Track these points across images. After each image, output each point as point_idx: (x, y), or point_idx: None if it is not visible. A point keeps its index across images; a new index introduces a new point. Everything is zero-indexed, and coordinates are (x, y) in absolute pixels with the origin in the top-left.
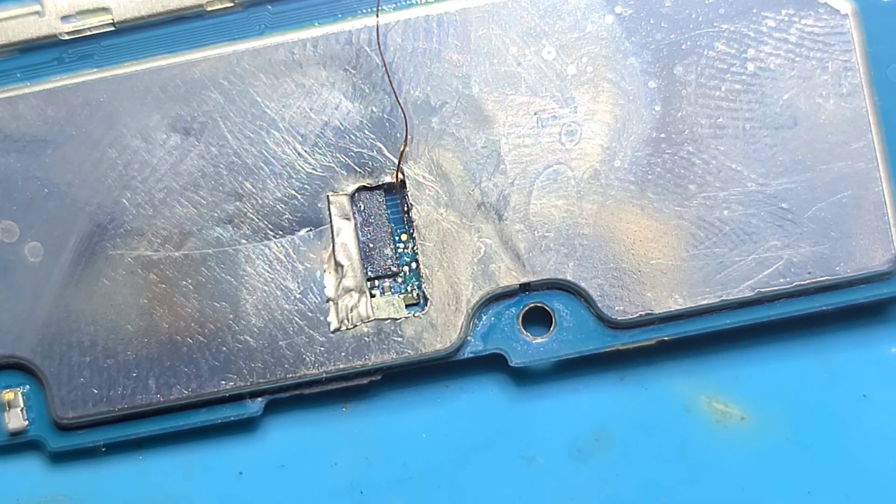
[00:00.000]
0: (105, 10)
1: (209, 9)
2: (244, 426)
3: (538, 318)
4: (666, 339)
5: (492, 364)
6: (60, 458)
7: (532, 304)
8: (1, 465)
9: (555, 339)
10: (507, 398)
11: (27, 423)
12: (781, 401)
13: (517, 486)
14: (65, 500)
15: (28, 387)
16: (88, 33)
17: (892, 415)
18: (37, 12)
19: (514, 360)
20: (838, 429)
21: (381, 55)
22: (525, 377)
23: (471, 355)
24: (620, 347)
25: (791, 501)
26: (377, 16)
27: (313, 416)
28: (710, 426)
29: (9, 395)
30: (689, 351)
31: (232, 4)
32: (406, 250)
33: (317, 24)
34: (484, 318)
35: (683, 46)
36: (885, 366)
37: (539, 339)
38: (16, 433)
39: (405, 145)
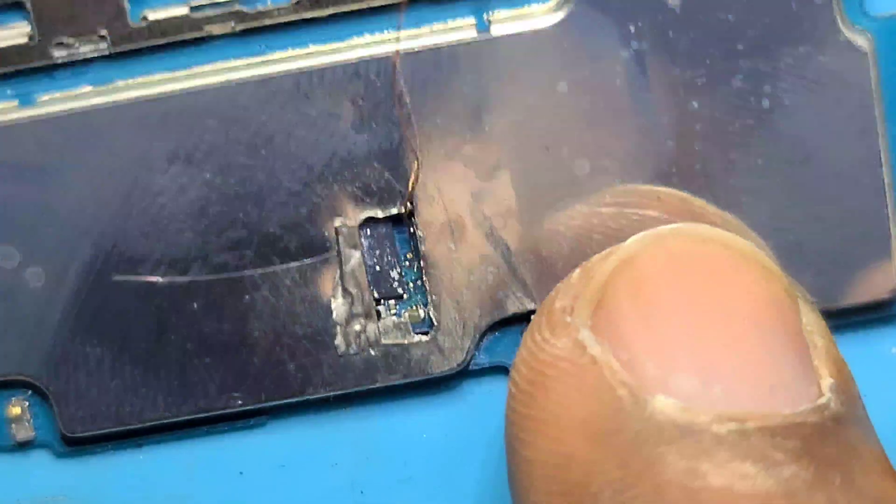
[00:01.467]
0: (102, 37)
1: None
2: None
3: None
4: None
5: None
6: (62, 461)
7: None
8: (0, 465)
9: None
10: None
11: (34, 434)
12: None
13: None
14: (64, 500)
15: (35, 402)
16: (83, 57)
17: (892, 415)
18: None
19: None
20: None
21: (396, 84)
22: None
23: (475, 367)
24: None
25: None
26: (397, 41)
27: (314, 416)
28: None
29: (15, 409)
30: None
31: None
32: (412, 268)
33: (322, 46)
34: (489, 335)
35: (699, 83)
36: (885, 366)
37: None
38: (23, 444)
39: (416, 176)
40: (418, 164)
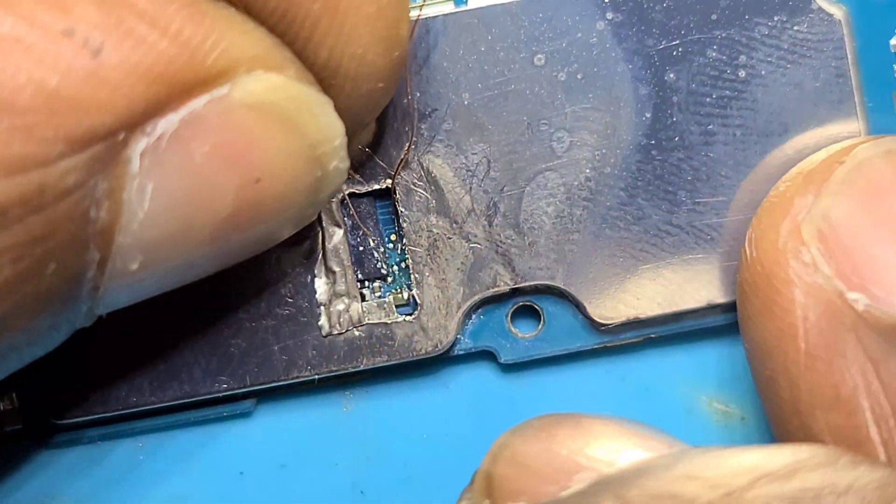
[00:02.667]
0: None
1: None
2: (245, 426)
3: (527, 315)
4: (653, 336)
5: (491, 364)
6: (59, 457)
7: (521, 303)
8: None
9: (543, 336)
10: (509, 399)
11: (21, 423)
12: None
13: None
14: (65, 500)
15: (21, 388)
16: None
17: None
18: None
19: (504, 358)
20: None
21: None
22: (526, 378)
23: (460, 352)
24: (608, 345)
25: None
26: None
27: (314, 416)
28: (710, 426)
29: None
30: (690, 352)
31: None
32: (395, 251)
33: None
34: (473, 316)
35: (675, 53)
36: None
37: (528, 335)
38: (11, 434)
39: (407, 153)
40: (410, 141)
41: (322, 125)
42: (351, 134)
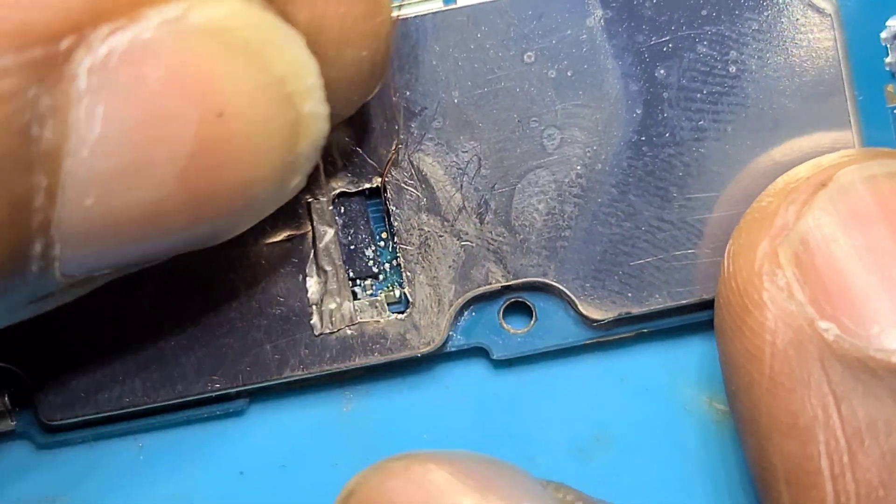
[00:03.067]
0: None
1: None
2: (245, 426)
3: (519, 312)
4: (645, 331)
5: (484, 361)
6: (59, 458)
7: (513, 300)
8: None
9: (535, 332)
10: (508, 399)
11: (13, 424)
12: None
13: None
14: (65, 500)
15: (13, 389)
16: None
17: None
18: None
19: (496, 354)
20: None
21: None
22: (519, 374)
23: (453, 349)
24: (601, 340)
25: None
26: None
27: (314, 416)
28: (710, 426)
29: None
30: (690, 351)
31: None
32: (386, 249)
33: None
34: (465, 313)
35: (665, 49)
36: None
37: (520, 332)
38: (3, 435)
39: (395, 150)
40: (398, 139)
41: (289, 59)
42: (337, 117)
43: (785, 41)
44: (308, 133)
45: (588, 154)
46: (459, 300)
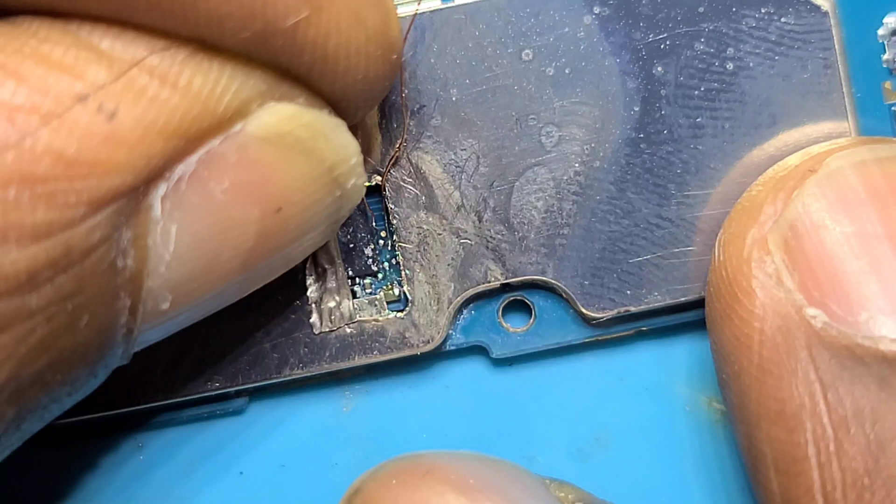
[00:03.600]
0: None
1: None
2: (245, 426)
3: (518, 310)
4: (644, 329)
5: (483, 359)
6: (59, 458)
7: (512, 298)
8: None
9: (534, 330)
10: (508, 397)
11: None
12: None
13: None
14: (66, 500)
15: None
16: None
17: None
18: None
19: (496, 353)
20: None
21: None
22: (518, 373)
23: (452, 348)
24: (600, 338)
25: None
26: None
27: (314, 415)
28: (710, 426)
29: None
30: (689, 351)
31: None
32: (386, 248)
33: None
34: (464, 311)
35: (662, 46)
36: None
37: (519, 330)
38: None
39: (399, 149)
40: (403, 138)
41: (337, 147)
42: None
43: (782, 38)
44: (350, 203)
45: (586, 151)
46: (458, 298)
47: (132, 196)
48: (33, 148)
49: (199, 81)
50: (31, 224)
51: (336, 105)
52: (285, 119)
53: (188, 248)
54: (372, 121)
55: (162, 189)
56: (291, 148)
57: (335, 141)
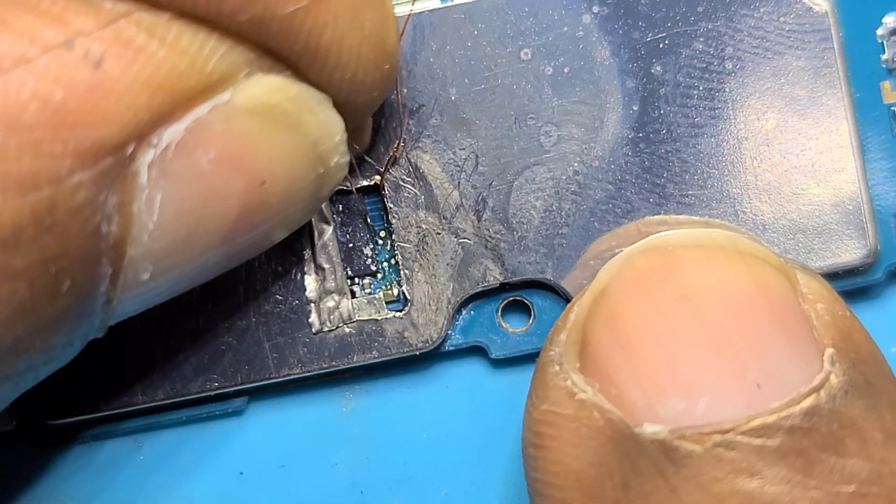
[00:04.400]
0: None
1: None
2: (244, 426)
3: (517, 310)
4: None
5: (482, 360)
6: (59, 458)
7: (511, 298)
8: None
9: (534, 330)
10: (508, 399)
11: (14, 424)
12: None
13: (518, 486)
14: (66, 500)
15: None
16: None
17: None
18: None
19: (495, 353)
20: None
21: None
22: (517, 373)
23: (451, 348)
24: None
25: None
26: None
27: (314, 416)
28: None
29: None
30: None
31: None
32: (385, 248)
33: None
34: (463, 311)
35: (661, 45)
36: None
37: (518, 330)
38: (4, 435)
39: (398, 148)
40: (400, 137)
41: (322, 122)
42: (349, 132)
43: (781, 38)
44: (332, 181)
45: (585, 151)
46: (458, 299)
47: (119, 156)
48: (19, 93)
49: (187, 39)
50: (17, 174)
51: None
52: (273, 91)
53: (172, 217)
54: None
55: (149, 156)
56: (278, 120)
57: (320, 116)
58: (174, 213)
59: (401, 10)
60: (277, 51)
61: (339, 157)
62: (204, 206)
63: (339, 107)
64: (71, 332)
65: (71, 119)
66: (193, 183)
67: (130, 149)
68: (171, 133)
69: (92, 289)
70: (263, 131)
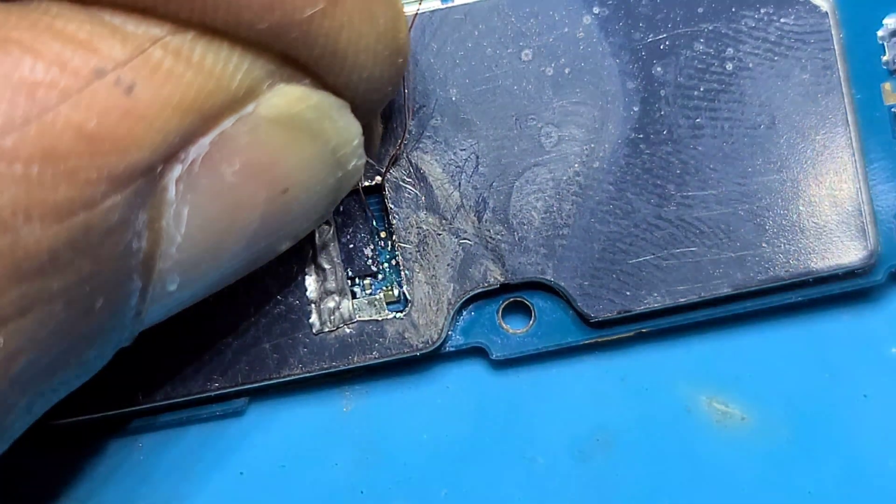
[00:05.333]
0: None
1: None
2: (244, 426)
3: (517, 311)
4: (644, 331)
5: (483, 361)
6: (60, 458)
7: (512, 299)
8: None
9: (534, 332)
10: (508, 399)
11: None
12: (781, 401)
13: (517, 486)
14: (66, 500)
15: None
16: None
17: (892, 415)
18: None
19: (495, 354)
20: (838, 429)
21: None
22: (518, 375)
23: (451, 349)
24: (600, 340)
25: (791, 501)
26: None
27: (314, 416)
28: (710, 426)
29: None
30: (689, 351)
31: None
32: (385, 248)
33: None
34: (464, 312)
35: (662, 47)
36: (885, 366)
37: (519, 331)
38: None
39: (400, 148)
40: (403, 137)
41: (341, 128)
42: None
43: (782, 38)
44: (350, 183)
45: (586, 152)
46: (458, 299)
47: (150, 176)
48: (54, 123)
49: (212, 59)
50: (54, 202)
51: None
52: (295, 100)
53: (198, 229)
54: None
55: (177, 171)
56: (300, 129)
57: (339, 122)
58: (200, 225)
59: (407, 10)
60: (297, 58)
61: (357, 160)
62: (228, 217)
63: (354, 108)
64: (104, 346)
65: (105, 146)
66: (219, 195)
67: (160, 167)
68: (198, 148)
69: (123, 304)
70: (286, 140)
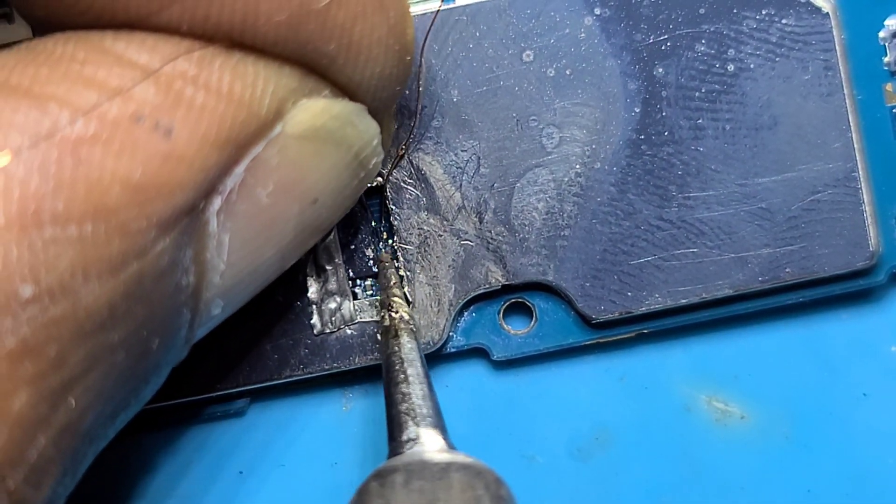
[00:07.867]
0: None
1: None
2: (243, 426)
3: (519, 312)
4: (645, 332)
5: (484, 362)
6: None
7: (513, 300)
8: None
9: (536, 332)
10: (508, 398)
11: None
12: (781, 400)
13: (517, 486)
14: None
15: None
16: None
17: (892, 414)
18: None
19: (496, 355)
20: (838, 428)
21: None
22: (519, 376)
23: (453, 350)
24: (601, 341)
25: (791, 501)
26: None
27: (314, 415)
28: (710, 426)
29: None
30: (688, 350)
31: None
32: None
33: None
34: (465, 313)
35: (663, 48)
36: (884, 365)
37: (520, 332)
38: None
39: (404, 148)
40: (408, 138)
41: (362, 132)
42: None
43: (783, 39)
44: (370, 178)
45: (587, 153)
46: (459, 300)
47: (193, 214)
48: (101, 179)
49: (239, 86)
50: (108, 258)
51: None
52: (318, 114)
53: (238, 254)
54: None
55: (217, 203)
56: (325, 140)
57: (360, 126)
58: (240, 249)
59: (415, 10)
60: (314, 57)
61: (377, 158)
62: (265, 235)
63: (364, 98)
64: (158, 380)
65: (151, 193)
66: (255, 217)
67: (202, 204)
68: (234, 177)
69: (175, 337)
70: (313, 153)
